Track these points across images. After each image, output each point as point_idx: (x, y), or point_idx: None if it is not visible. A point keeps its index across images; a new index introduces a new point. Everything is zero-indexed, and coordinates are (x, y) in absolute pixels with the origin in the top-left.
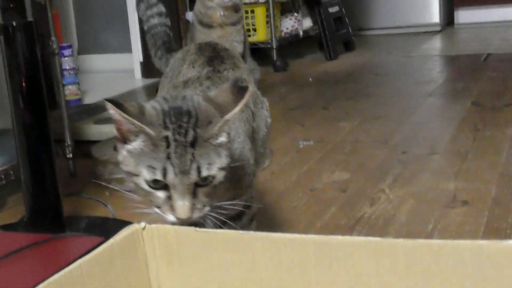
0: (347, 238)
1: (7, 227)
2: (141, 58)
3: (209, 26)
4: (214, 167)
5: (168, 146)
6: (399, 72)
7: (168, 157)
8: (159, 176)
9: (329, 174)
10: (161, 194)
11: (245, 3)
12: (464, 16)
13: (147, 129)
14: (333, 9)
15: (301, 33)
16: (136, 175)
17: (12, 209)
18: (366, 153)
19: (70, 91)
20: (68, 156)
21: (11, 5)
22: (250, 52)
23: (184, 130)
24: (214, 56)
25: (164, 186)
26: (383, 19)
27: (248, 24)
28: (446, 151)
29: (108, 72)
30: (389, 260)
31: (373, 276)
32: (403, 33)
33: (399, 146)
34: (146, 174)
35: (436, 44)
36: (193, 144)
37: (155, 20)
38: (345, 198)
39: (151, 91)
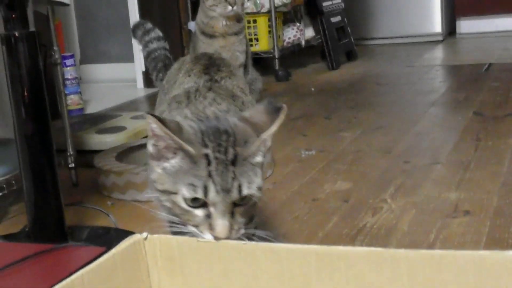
0: (349, 248)
1: (9, 237)
2: (143, 68)
3: (211, 36)
4: (254, 186)
5: (208, 164)
6: (401, 82)
7: (210, 175)
8: (200, 194)
9: (331, 184)
10: (199, 212)
11: (248, 13)
12: (466, 26)
13: (187, 147)
14: (336, 19)
15: (303, 42)
16: (174, 193)
17: (14, 219)
18: (368, 163)
19: (72, 100)
20: (70, 165)
21: (14, 15)
22: (252, 62)
23: (224, 149)
24: (210, 64)
25: (203, 205)
26: (385, 29)
27: (250, 34)
28: (448, 161)
29: (110, 82)
30: (391, 270)
31: (375, 286)
32: (405, 42)
33: (401, 156)
34: (185, 192)
35: (438, 54)
36: (233, 162)
37: (154, 45)
38: (347, 208)
39: (153, 101)
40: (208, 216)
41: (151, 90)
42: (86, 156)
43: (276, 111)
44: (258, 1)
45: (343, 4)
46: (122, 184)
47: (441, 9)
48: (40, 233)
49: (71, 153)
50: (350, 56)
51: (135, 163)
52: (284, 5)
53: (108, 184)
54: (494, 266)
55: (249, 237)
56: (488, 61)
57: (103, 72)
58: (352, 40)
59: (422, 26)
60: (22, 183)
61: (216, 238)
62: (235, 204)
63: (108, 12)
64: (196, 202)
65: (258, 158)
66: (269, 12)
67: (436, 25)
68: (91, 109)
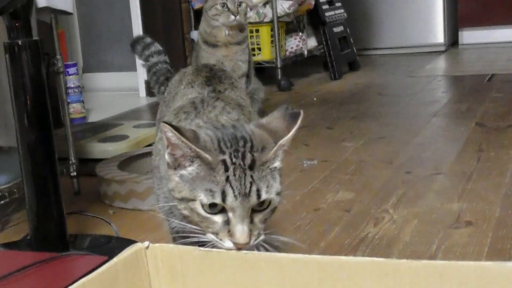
0: (351, 258)
1: (11, 245)
2: (145, 77)
3: (214, 45)
4: (272, 191)
5: (226, 170)
6: (404, 92)
7: (227, 180)
8: (218, 199)
9: (333, 194)
10: (218, 219)
11: (250, 23)
12: (468, 36)
13: (204, 154)
14: (338, 29)
15: (305, 52)
16: (192, 200)
17: (16, 227)
18: (370, 173)
19: (74, 109)
20: (72, 174)
21: (17, 24)
22: (254, 72)
23: (241, 154)
24: (212, 76)
25: (221, 211)
26: (387, 39)
27: (253, 44)
28: (450, 171)
29: (112, 91)
30: (392, 280)
31: None
32: (407, 53)
33: (403, 166)
34: (203, 198)
35: (440, 64)
36: (251, 167)
37: (154, 59)
38: (349, 218)
39: (156, 110)
40: (227, 222)
41: (153, 99)
42: (88, 165)
43: (294, 116)
44: (261, 11)
45: (345, 14)
46: (124, 193)
47: (444, 20)
48: (41, 242)
49: (73, 161)
50: (353, 66)
51: (137, 172)
52: (287, 15)
53: (110, 193)
54: (496, 277)
55: (269, 243)
56: (491, 71)
57: (105, 80)
58: (355, 50)
59: (424, 37)
60: (24, 191)
61: (236, 245)
62: (253, 210)
63: (111, 21)
64: (215, 208)
65: (277, 164)
66: (271, 22)
67: (439, 35)
68: (94, 117)
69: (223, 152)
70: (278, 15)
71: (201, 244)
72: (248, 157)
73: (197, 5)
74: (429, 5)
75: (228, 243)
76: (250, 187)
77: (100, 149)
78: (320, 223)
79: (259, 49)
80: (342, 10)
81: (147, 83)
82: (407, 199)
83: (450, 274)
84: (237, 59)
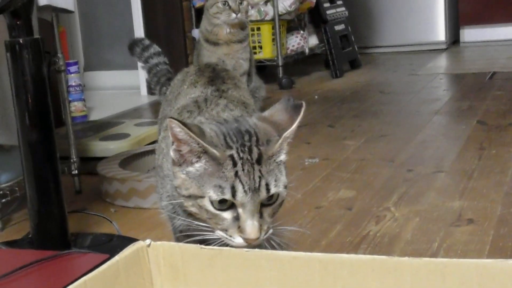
0: (352, 256)
1: (12, 244)
2: (147, 75)
3: (215, 43)
4: (280, 184)
5: (234, 165)
6: (405, 90)
7: (236, 175)
8: (228, 195)
9: (335, 192)
10: (227, 215)
11: (251, 21)
12: (469, 34)
13: (211, 149)
14: (339, 27)
15: (307, 50)
16: (201, 197)
17: (17, 226)
18: (371, 171)
19: (76, 107)
20: (73, 172)
21: (18, 22)
22: (256, 70)
23: (248, 149)
24: (215, 76)
25: (231, 206)
26: (389, 37)
27: (254, 42)
28: (451, 169)
29: (114, 89)
30: (394, 278)
31: None
32: (408, 51)
33: (404, 165)
34: (213, 194)
35: (441, 62)
36: (259, 162)
37: (154, 60)
38: (350, 216)
39: (157, 108)
40: (237, 218)
41: (154, 97)
42: (89, 163)
43: (296, 108)
44: (262, 9)
45: (347, 13)
46: (126, 191)
47: (445, 18)
48: (43, 240)
49: (75, 160)
50: (354, 64)
51: (138, 170)
52: (288, 13)
53: (111, 191)
54: (497, 274)
55: (278, 236)
56: (492, 69)
57: (107, 79)
58: (356, 48)
59: (426, 35)
60: (26, 190)
61: (247, 241)
62: (262, 204)
63: (112, 19)
64: (224, 205)
65: (282, 156)
66: (273, 20)
67: (440, 33)
68: (95, 116)
69: (230, 147)
70: (280, 13)
71: (206, 242)
72: (255, 151)
73: (198, 3)
74: (430, 3)
75: (238, 239)
76: (260, 181)
77: (102, 147)
78: (322, 221)
79: (260, 47)
80: (343, 8)
81: (149, 81)
82: (408, 197)
83: (452, 272)
84: (239, 57)
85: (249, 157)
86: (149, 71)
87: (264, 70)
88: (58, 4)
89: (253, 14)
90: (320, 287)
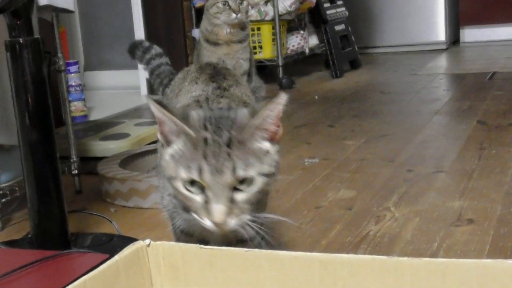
0: (352, 256)
1: (12, 244)
2: (147, 75)
3: (215, 43)
4: (252, 170)
5: (206, 146)
6: (405, 90)
7: (204, 156)
8: (195, 175)
9: (335, 192)
10: (198, 198)
11: (252, 21)
12: (470, 34)
13: (188, 129)
14: (339, 27)
15: (307, 50)
16: (175, 178)
17: (17, 225)
18: (371, 171)
19: (76, 107)
20: (73, 172)
21: (18, 22)
22: (256, 70)
23: (221, 132)
24: (216, 73)
25: (202, 190)
26: (389, 37)
27: (254, 42)
28: (451, 169)
29: (114, 89)
30: (394, 278)
31: None
32: (409, 51)
33: (404, 164)
34: (183, 174)
35: (441, 62)
36: (228, 145)
37: (156, 61)
38: (350, 216)
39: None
40: (207, 201)
41: (155, 97)
42: (89, 163)
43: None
44: (262, 9)
45: (347, 13)
46: (126, 191)
47: (445, 18)
48: (43, 240)
49: (75, 160)
50: (354, 64)
51: (138, 170)
52: (288, 13)
53: (111, 191)
54: (497, 275)
55: (259, 223)
56: (492, 70)
57: (107, 79)
58: (356, 49)
59: (426, 35)
60: (26, 190)
61: (215, 224)
62: (236, 189)
63: (112, 19)
64: (195, 187)
65: (259, 144)
66: (273, 20)
67: (440, 33)
68: (95, 116)
69: (207, 130)
70: (280, 13)
71: (203, 241)
72: (226, 134)
73: (198, 3)
74: (430, 3)
75: (208, 222)
76: (225, 163)
77: (102, 147)
78: (322, 221)
79: (261, 47)
80: (343, 8)
81: (149, 81)
82: (408, 197)
83: (452, 272)
84: (239, 57)
85: (220, 140)
86: (151, 72)
87: (264, 70)
88: (58, 4)
89: (253, 14)
90: (320, 287)
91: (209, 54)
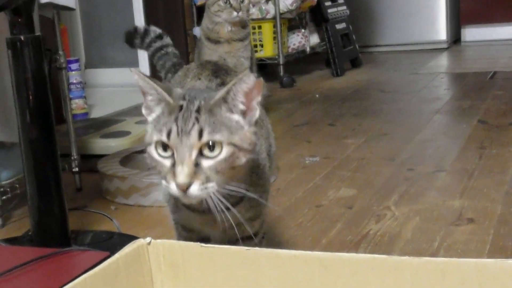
0: (353, 255)
1: (12, 241)
2: (148, 72)
3: (216, 41)
4: (219, 136)
5: (179, 112)
6: (406, 89)
7: (175, 120)
8: (164, 137)
9: (335, 191)
10: (167, 162)
11: (253, 19)
12: (471, 33)
13: (167, 96)
14: (340, 26)
15: (308, 49)
16: (150, 144)
17: (18, 223)
18: (372, 170)
19: (77, 105)
20: (74, 170)
21: (19, 20)
22: (257, 68)
23: (194, 100)
24: (218, 69)
25: (172, 155)
26: (390, 36)
27: (255, 40)
28: (452, 169)
29: (115, 86)
30: (394, 277)
31: None
32: (409, 50)
33: (405, 164)
34: (155, 137)
35: (442, 61)
36: (198, 111)
37: (157, 44)
38: (350, 215)
39: None
40: (174, 164)
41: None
42: (90, 161)
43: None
44: (263, 8)
45: (348, 11)
46: (126, 189)
47: (446, 17)
48: (43, 237)
49: (75, 157)
50: (355, 63)
51: (139, 168)
52: (289, 11)
53: (111, 189)
54: (497, 274)
55: (225, 196)
56: (493, 69)
57: (108, 76)
58: (357, 47)
59: (427, 34)
60: (26, 187)
61: (179, 187)
62: (203, 155)
63: (113, 17)
64: (165, 152)
65: (228, 114)
66: (274, 18)
67: (441, 32)
68: (96, 113)
69: (184, 99)
70: (281, 11)
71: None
72: (197, 102)
73: (199, 1)
74: (431, 2)
75: (172, 186)
76: (193, 126)
77: (102, 145)
78: (322, 220)
79: (262, 45)
80: (344, 7)
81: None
82: (409, 196)
83: (452, 272)
84: (240, 55)
85: (191, 106)
86: (152, 55)
87: (265, 68)
88: (59, 2)
89: (254, 12)
90: (320, 286)
91: (210, 52)
